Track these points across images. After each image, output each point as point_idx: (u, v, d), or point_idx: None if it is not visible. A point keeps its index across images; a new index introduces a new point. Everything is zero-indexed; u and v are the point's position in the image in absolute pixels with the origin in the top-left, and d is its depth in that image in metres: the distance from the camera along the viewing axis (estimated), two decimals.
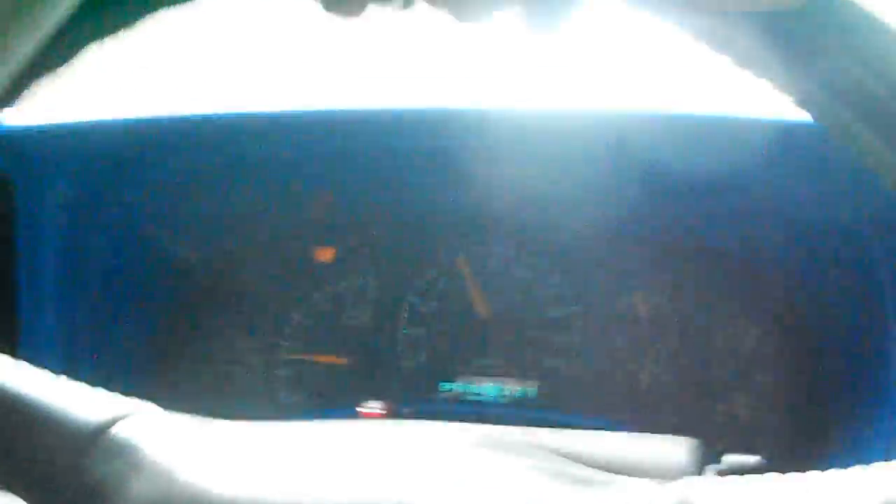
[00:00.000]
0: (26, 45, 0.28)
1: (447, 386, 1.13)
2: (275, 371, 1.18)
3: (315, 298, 1.18)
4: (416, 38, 1.02)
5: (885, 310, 0.88)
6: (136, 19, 0.34)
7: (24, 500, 0.48)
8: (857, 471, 0.36)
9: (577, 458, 0.47)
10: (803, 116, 0.36)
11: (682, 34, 0.36)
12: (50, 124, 0.98)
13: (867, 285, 0.93)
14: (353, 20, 0.34)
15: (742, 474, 0.39)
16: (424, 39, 1.01)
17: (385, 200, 1.14)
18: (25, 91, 0.33)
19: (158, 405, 0.51)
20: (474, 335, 1.14)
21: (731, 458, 0.56)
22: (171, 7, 0.35)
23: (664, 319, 1.10)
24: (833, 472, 0.37)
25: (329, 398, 1.15)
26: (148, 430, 0.47)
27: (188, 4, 0.35)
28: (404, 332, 1.16)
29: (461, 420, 0.54)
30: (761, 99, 0.85)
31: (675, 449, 0.50)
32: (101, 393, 0.50)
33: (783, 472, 0.39)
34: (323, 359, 1.17)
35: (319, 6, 0.33)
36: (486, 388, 1.12)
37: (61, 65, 0.34)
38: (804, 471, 0.38)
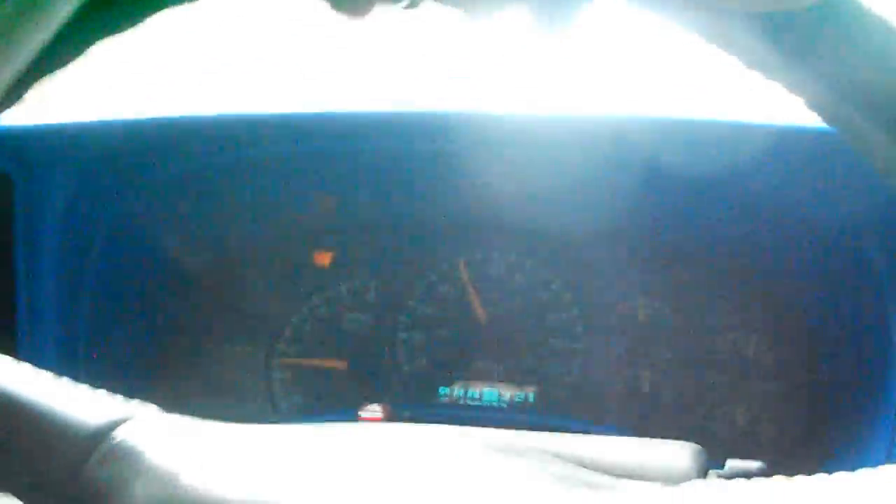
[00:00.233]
0: (28, 46, 0.28)
1: (446, 390, 1.13)
2: (274, 374, 1.17)
3: (314, 302, 1.18)
4: (417, 42, 1.01)
5: (886, 311, 0.88)
6: (137, 19, 0.34)
7: (25, 503, 0.48)
8: (864, 473, 0.36)
9: (580, 462, 0.47)
10: (802, 120, 0.36)
11: (690, 35, 0.36)
12: (50, 124, 0.98)
13: (867, 288, 0.93)
14: (360, 20, 0.34)
15: (746, 479, 0.39)
16: (425, 43, 1.01)
17: (385, 204, 1.14)
18: (27, 91, 0.33)
19: (158, 407, 0.51)
20: (473, 340, 1.14)
21: (734, 463, 0.56)
22: (172, 7, 0.35)
23: (663, 325, 1.10)
24: (840, 475, 0.36)
25: (328, 402, 1.15)
26: (149, 432, 0.47)
27: (188, 4, 0.35)
28: (403, 336, 1.16)
29: (460, 424, 0.54)
30: (760, 102, 0.85)
31: (679, 453, 0.50)
32: (102, 394, 0.50)
33: (786, 476, 0.39)
34: (322, 363, 1.16)
35: (328, 6, 0.33)
36: (485, 392, 1.12)
37: (62, 65, 0.33)
38: (806, 474, 0.38)
